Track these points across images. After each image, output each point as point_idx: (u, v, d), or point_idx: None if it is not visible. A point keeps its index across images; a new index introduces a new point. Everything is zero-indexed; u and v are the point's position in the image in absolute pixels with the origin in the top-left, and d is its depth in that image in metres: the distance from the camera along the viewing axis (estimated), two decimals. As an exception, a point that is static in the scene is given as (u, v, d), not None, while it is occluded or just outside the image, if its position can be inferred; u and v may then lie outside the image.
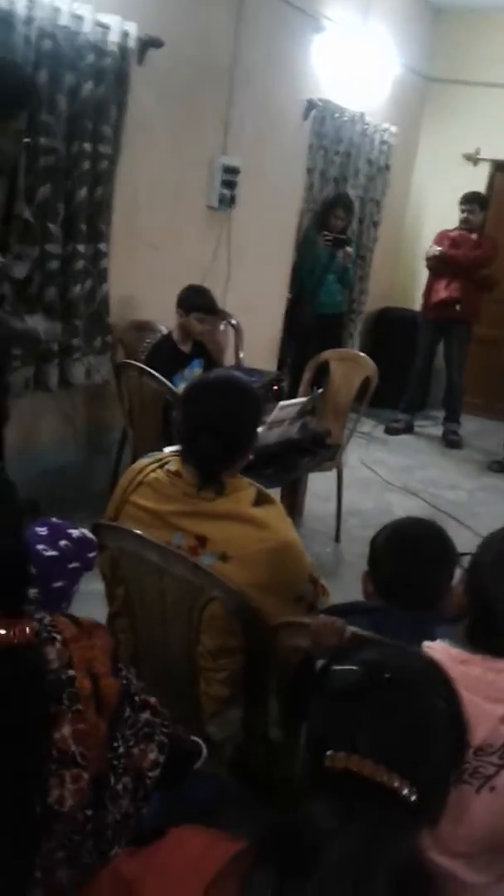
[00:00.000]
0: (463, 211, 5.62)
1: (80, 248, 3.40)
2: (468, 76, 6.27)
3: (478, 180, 6.33)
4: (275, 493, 3.41)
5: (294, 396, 4.13)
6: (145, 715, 1.28)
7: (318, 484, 4.19)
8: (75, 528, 1.65)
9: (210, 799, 1.55)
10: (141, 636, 1.94)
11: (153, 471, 1.83)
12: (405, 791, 0.93)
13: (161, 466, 1.84)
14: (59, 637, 1.20)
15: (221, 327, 4.57)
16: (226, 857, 0.97)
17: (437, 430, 6.05)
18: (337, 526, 4.10)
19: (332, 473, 4.04)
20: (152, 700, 1.31)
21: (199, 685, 1.85)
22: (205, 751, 1.44)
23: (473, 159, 6.45)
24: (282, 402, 3.27)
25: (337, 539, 4.07)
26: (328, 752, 0.94)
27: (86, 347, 3.56)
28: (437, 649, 1.33)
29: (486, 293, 5.73)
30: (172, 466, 1.81)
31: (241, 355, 4.61)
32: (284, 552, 1.78)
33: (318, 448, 3.57)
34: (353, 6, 5.11)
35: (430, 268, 5.73)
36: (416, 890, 0.92)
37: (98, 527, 1.84)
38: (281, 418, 3.23)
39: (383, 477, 5.01)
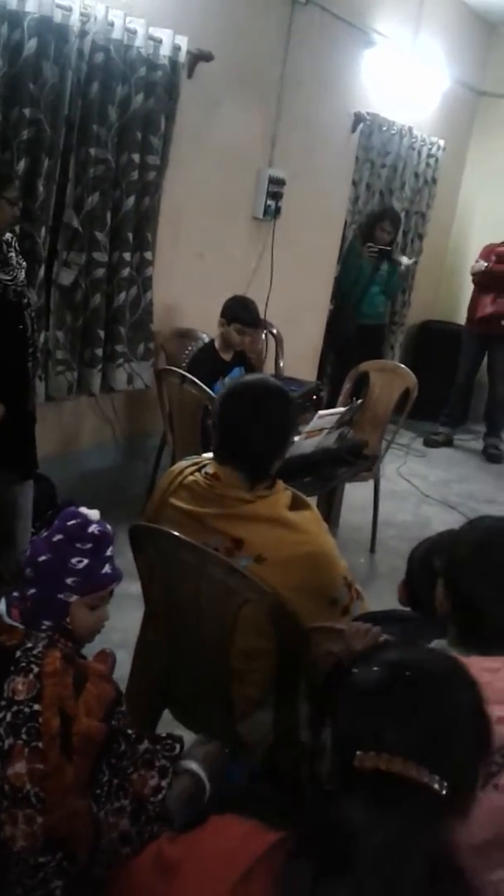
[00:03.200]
0: None
1: (126, 256, 3.47)
2: (520, 90, 6.25)
3: (526, 195, 6.29)
4: (311, 501, 3.46)
5: (334, 406, 4.15)
6: (143, 745, 1.26)
7: (355, 494, 4.19)
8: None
9: (238, 788, 1.56)
10: (176, 637, 1.98)
11: (191, 473, 1.87)
12: (435, 785, 0.94)
13: (199, 469, 1.87)
14: (35, 669, 1.17)
15: (262, 336, 4.61)
16: (262, 848, 0.99)
17: (478, 444, 6.01)
18: (372, 537, 4.10)
19: (369, 484, 4.05)
20: (151, 734, 1.30)
21: (232, 686, 1.87)
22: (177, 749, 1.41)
23: (522, 173, 6.41)
24: (320, 412, 3.29)
25: (372, 550, 4.07)
26: (357, 753, 0.96)
27: (129, 354, 3.63)
28: None
29: None
30: (210, 469, 1.85)
31: (281, 364, 4.64)
32: (319, 556, 1.81)
33: (355, 458, 3.58)
34: (405, 21, 5.13)
35: (476, 282, 5.71)
36: (449, 882, 0.93)
37: (136, 528, 1.89)
38: (319, 427, 3.25)
39: (421, 489, 4.99)
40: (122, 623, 2.17)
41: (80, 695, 1.21)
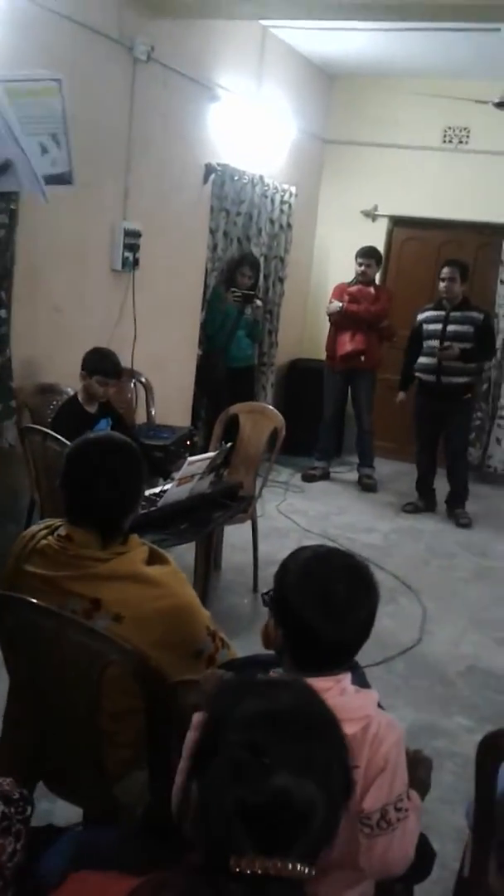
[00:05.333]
0: (360, 265, 5.85)
1: (-20, 315, 3.41)
2: (363, 137, 6.60)
3: (376, 235, 6.62)
4: (189, 547, 3.46)
5: (208, 450, 4.19)
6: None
7: (236, 535, 4.23)
8: None
9: (113, 846, 1.53)
10: (43, 704, 1.92)
11: (44, 537, 1.84)
12: (307, 870, 0.97)
13: (51, 532, 1.85)
14: None
15: (131, 385, 4.62)
16: (124, 891, 0.99)
17: (354, 476, 6.18)
18: (254, 577, 4.13)
19: (250, 524, 4.09)
20: (4, 786, 1.27)
21: (104, 749, 1.83)
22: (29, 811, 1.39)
23: (372, 215, 6.75)
24: (190, 458, 3.31)
25: (255, 589, 4.10)
26: (231, 858, 0.95)
27: (-11, 414, 3.55)
28: None
29: (386, 342, 5.97)
30: (63, 531, 1.83)
31: (153, 412, 4.66)
32: (179, 609, 1.81)
33: (230, 500, 3.62)
34: (247, 74, 5.34)
35: (332, 322, 5.92)
36: None
37: (-9, 597, 1.83)
38: (190, 473, 3.27)
39: (301, 525, 5.08)
40: (2, 691, 2.09)
41: None
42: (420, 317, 5.39)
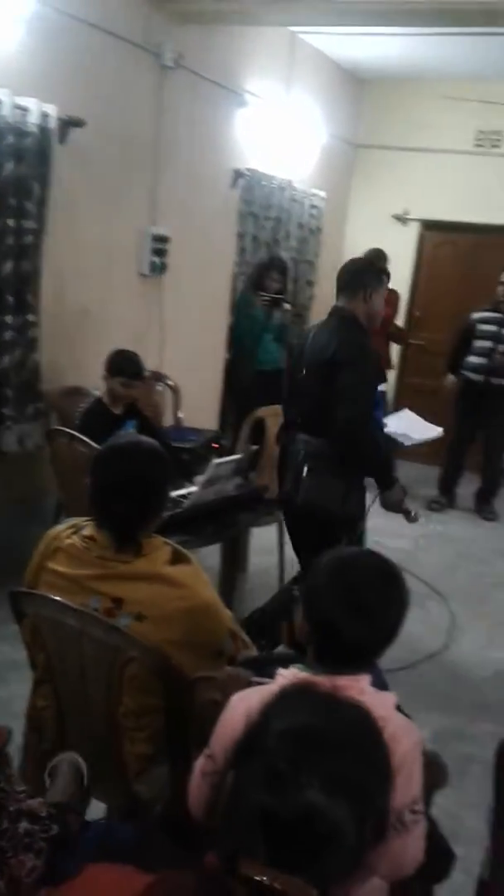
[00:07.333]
0: None
1: (8, 319, 3.47)
2: (394, 141, 6.58)
3: (407, 239, 6.61)
4: (215, 550, 3.47)
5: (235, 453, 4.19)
6: (23, 824, 1.25)
7: (263, 538, 4.23)
8: None
9: (132, 840, 1.54)
10: (64, 701, 1.95)
11: (68, 536, 1.87)
12: (315, 892, 0.94)
13: (76, 532, 1.87)
14: None
15: (159, 388, 4.65)
16: (137, 890, 0.99)
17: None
18: (280, 579, 4.13)
19: (276, 527, 4.09)
20: (33, 803, 1.28)
21: (124, 745, 1.85)
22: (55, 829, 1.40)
23: (403, 219, 6.74)
24: (216, 460, 3.33)
25: (280, 593, 4.09)
26: (242, 861, 0.94)
27: (17, 415, 3.60)
28: (288, 675, 1.43)
29: (398, 344, 6.03)
30: (87, 531, 1.85)
31: (181, 415, 4.68)
32: (201, 609, 1.82)
33: (256, 503, 3.62)
34: (276, 80, 5.36)
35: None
36: None
37: (15, 594, 1.87)
38: (217, 475, 3.28)
39: (328, 528, 5.06)
40: (24, 691, 2.12)
41: None
42: (474, 316, 5.42)
